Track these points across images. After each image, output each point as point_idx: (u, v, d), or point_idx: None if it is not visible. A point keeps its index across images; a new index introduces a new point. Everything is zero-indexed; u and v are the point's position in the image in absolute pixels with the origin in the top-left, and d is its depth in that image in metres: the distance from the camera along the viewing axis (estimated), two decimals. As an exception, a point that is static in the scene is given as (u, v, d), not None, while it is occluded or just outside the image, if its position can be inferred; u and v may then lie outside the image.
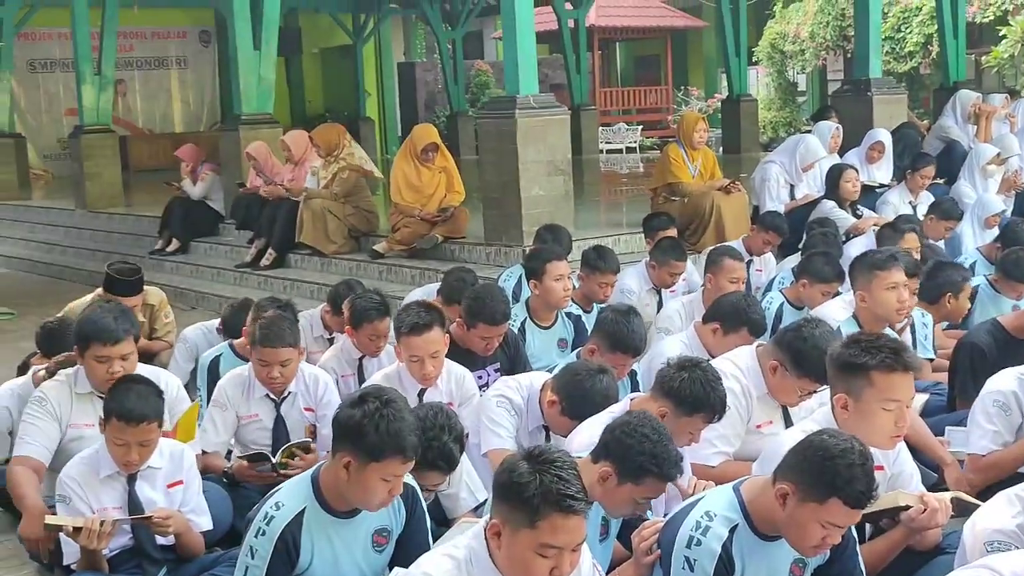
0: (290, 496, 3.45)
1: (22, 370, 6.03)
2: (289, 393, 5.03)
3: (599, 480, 3.39)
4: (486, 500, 3.81)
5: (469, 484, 4.24)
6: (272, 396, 5.02)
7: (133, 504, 4.18)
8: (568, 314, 6.20)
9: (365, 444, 3.30)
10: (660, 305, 6.81)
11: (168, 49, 23.56)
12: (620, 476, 3.38)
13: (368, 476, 3.33)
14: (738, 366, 4.49)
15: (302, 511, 3.41)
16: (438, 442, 3.89)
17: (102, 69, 14.55)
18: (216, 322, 6.54)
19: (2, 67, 17.36)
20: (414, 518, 3.63)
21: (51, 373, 5.00)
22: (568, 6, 20.38)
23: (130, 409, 4.05)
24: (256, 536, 3.40)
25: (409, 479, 3.60)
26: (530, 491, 2.75)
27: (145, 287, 6.90)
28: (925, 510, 3.61)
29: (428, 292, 6.74)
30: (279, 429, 5.03)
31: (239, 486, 4.75)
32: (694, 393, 3.86)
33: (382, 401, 3.35)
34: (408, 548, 3.59)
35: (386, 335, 5.62)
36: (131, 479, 4.19)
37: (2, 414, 5.26)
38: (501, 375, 5.37)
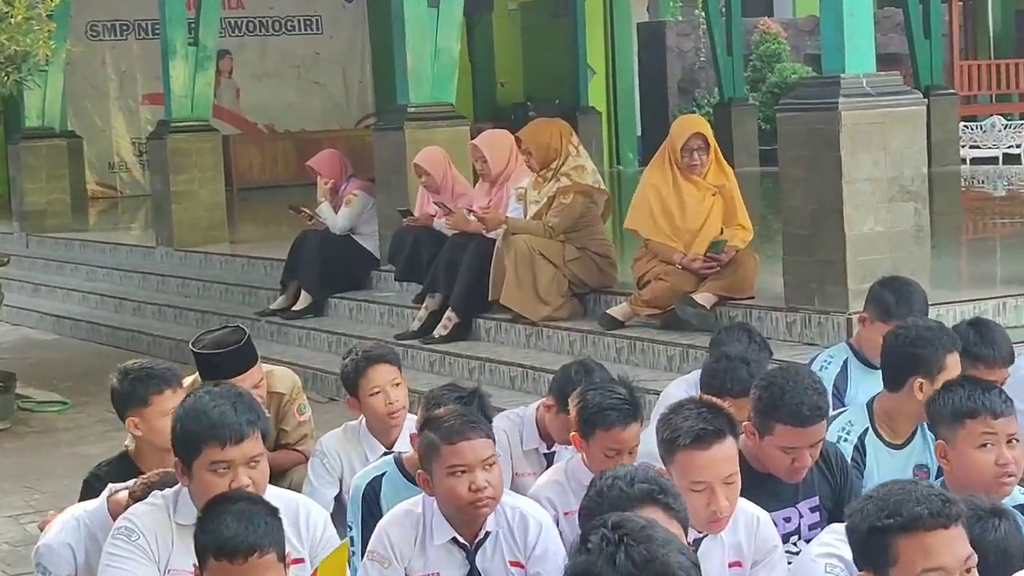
0: None
1: (89, 490, 6.21)
2: (487, 534, 5.07)
3: None
4: None
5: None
6: (462, 540, 5.07)
7: None
8: (933, 428, 6.08)
9: None
10: None
11: (293, 7, 24.42)
12: None
13: None
14: None
15: None
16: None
17: (200, 37, 15.21)
18: None
19: (56, 37, 17.33)
20: None
21: (136, 497, 5.15)
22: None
23: (229, 538, 4.12)
24: None
25: None
26: None
27: (269, 367, 7.11)
28: None
29: (693, 384, 6.71)
30: None
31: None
32: None
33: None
34: None
35: (634, 449, 5.64)
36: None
37: (63, 555, 5.35)
38: (823, 518, 5.33)
